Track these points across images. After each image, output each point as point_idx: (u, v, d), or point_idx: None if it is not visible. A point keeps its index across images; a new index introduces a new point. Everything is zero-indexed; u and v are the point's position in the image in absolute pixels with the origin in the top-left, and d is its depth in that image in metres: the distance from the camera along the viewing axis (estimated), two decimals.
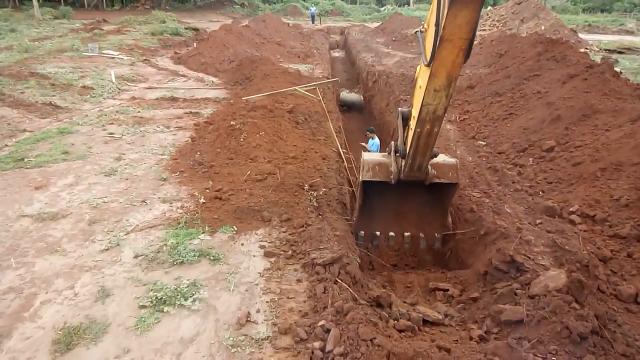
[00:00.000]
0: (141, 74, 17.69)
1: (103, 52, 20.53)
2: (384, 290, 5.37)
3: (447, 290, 6.10)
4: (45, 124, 11.12)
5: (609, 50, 25.31)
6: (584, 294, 4.61)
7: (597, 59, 16.30)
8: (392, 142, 6.99)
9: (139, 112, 12.45)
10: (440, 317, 5.11)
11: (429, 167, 6.66)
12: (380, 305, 5.11)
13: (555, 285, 4.78)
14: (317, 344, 4.22)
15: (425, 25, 5.19)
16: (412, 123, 5.95)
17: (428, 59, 4.80)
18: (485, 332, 4.78)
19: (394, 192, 7.27)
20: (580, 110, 9.85)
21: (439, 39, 4.41)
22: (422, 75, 5.31)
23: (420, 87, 5.43)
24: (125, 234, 6.25)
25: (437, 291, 6.18)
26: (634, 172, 7.23)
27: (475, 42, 4.82)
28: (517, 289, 5.18)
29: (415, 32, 5.59)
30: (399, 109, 6.85)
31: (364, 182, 7.12)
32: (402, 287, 6.52)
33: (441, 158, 7.07)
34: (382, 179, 7.02)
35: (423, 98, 5.21)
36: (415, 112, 5.74)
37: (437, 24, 4.38)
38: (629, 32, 37.46)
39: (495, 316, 4.82)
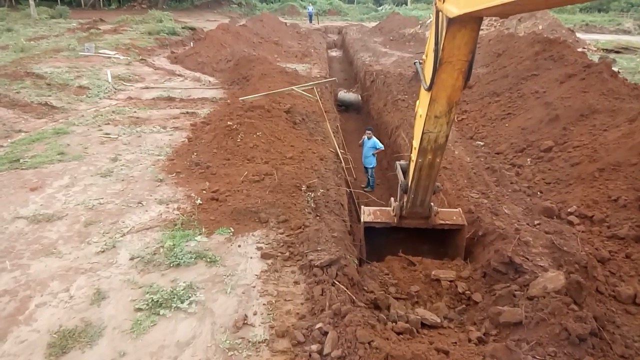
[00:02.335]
0: (138, 73, 17.61)
1: (99, 51, 20.43)
2: (382, 292, 5.30)
3: (452, 280, 5.95)
4: (41, 125, 11.05)
5: (606, 49, 25.36)
6: (582, 295, 4.60)
7: (595, 58, 16.33)
8: (392, 198, 6.98)
9: (135, 112, 12.39)
10: (439, 320, 5.06)
11: (432, 204, 6.59)
12: (378, 308, 5.08)
13: (553, 287, 4.76)
14: (314, 347, 4.19)
15: (424, 57, 5.21)
16: (414, 154, 5.88)
17: (428, 83, 4.80)
18: (484, 334, 4.75)
19: (399, 240, 7.14)
20: (578, 110, 9.85)
21: (438, 61, 4.44)
22: (422, 102, 5.30)
23: (420, 115, 5.40)
24: (121, 236, 6.21)
25: (442, 282, 5.98)
26: (632, 173, 7.23)
27: None
28: (515, 290, 5.16)
29: (414, 63, 5.64)
30: (397, 162, 6.79)
31: (366, 228, 7.01)
32: (403, 273, 6.35)
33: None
34: (384, 220, 6.96)
35: (424, 125, 5.19)
36: (416, 143, 5.68)
37: (436, 44, 4.41)
38: (626, 32, 37.55)
39: (494, 318, 4.80)
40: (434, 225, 6.79)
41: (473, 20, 4.06)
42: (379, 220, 7.00)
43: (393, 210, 6.89)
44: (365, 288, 5.43)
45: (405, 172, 6.50)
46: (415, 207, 6.55)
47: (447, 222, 6.81)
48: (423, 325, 5.00)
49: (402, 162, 6.77)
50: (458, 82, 4.65)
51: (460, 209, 7.14)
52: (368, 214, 7.13)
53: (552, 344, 4.16)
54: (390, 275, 5.96)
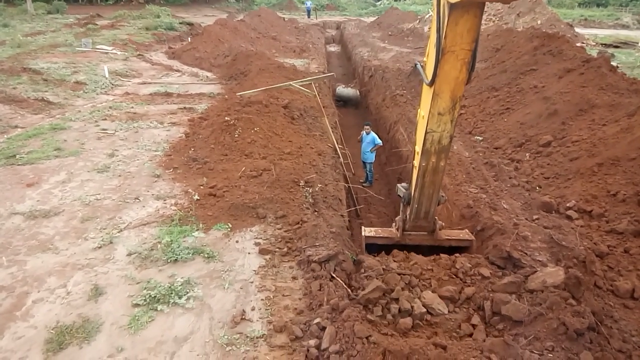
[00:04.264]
0: (135, 69, 17.55)
1: (96, 47, 20.35)
2: (376, 288, 5.07)
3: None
4: (38, 120, 11.01)
5: (605, 44, 25.30)
6: (580, 290, 4.58)
7: (594, 53, 16.27)
8: (396, 218, 6.58)
9: (132, 107, 12.34)
10: (446, 311, 4.83)
11: (436, 218, 6.19)
12: (370, 303, 4.90)
13: (553, 282, 4.74)
14: (312, 342, 4.19)
15: (425, 58, 5.03)
16: (416, 160, 5.56)
17: (430, 78, 4.61)
18: (485, 322, 4.65)
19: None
20: (577, 104, 9.83)
21: (440, 51, 4.28)
22: (424, 101, 5.09)
23: (423, 117, 5.17)
24: (119, 232, 6.18)
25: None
26: (630, 167, 7.22)
27: None
28: (522, 281, 5.04)
29: (415, 65, 5.42)
30: (398, 184, 6.41)
31: (367, 245, 6.59)
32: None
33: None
34: (386, 235, 6.51)
35: (427, 124, 4.95)
36: (418, 147, 5.41)
37: (437, 31, 4.27)
38: (625, 27, 37.48)
39: (497, 304, 4.71)
40: (440, 241, 6.31)
41: (475, 5, 3.94)
42: (380, 236, 6.59)
43: (395, 223, 6.50)
44: (364, 268, 5.26)
45: (403, 197, 6.15)
46: (419, 220, 6.14)
47: (453, 237, 6.38)
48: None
49: (403, 184, 6.41)
50: (462, 74, 4.46)
51: (467, 229, 6.75)
52: (369, 231, 6.74)
53: (549, 339, 4.16)
54: (389, 257, 5.80)
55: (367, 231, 6.73)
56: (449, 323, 4.73)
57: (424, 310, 4.77)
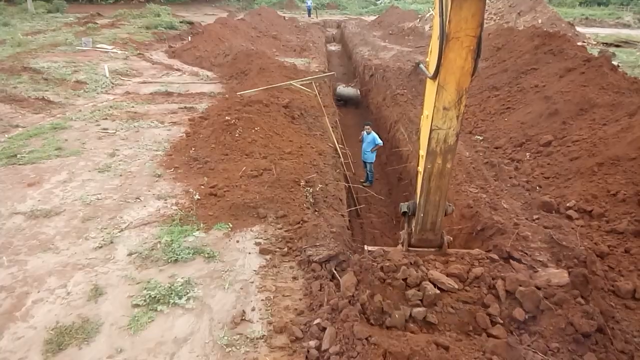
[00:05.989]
0: (135, 68, 17.53)
1: (97, 46, 20.33)
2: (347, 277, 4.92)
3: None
4: (38, 120, 11.00)
5: (606, 43, 25.25)
6: (588, 288, 4.56)
7: (595, 52, 16.24)
8: (401, 232, 6.19)
9: (133, 107, 12.33)
10: (456, 286, 4.63)
11: (444, 232, 5.74)
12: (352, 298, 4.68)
13: (558, 282, 4.73)
14: (312, 343, 4.18)
15: (427, 59, 4.87)
16: (421, 164, 5.29)
17: (433, 71, 4.46)
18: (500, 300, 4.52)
19: None
20: (577, 104, 9.81)
21: (444, 38, 4.15)
22: (428, 98, 4.91)
23: (427, 116, 4.96)
24: (119, 232, 6.19)
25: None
26: (631, 167, 7.20)
27: None
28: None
29: (417, 64, 5.22)
30: (402, 203, 5.97)
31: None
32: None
33: None
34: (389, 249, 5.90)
35: (431, 121, 4.75)
36: (423, 151, 5.15)
37: (441, 15, 4.15)
38: (626, 26, 37.38)
39: (512, 283, 4.59)
40: (448, 256, 5.65)
41: None
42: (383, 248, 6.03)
43: (400, 237, 6.03)
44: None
45: (408, 208, 5.75)
46: (426, 232, 5.62)
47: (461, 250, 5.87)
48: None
49: (407, 202, 5.94)
50: (467, 63, 4.28)
51: (478, 248, 6.26)
52: (372, 248, 6.08)
53: (555, 339, 4.13)
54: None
55: (370, 248, 6.14)
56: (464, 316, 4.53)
57: (437, 292, 4.51)
